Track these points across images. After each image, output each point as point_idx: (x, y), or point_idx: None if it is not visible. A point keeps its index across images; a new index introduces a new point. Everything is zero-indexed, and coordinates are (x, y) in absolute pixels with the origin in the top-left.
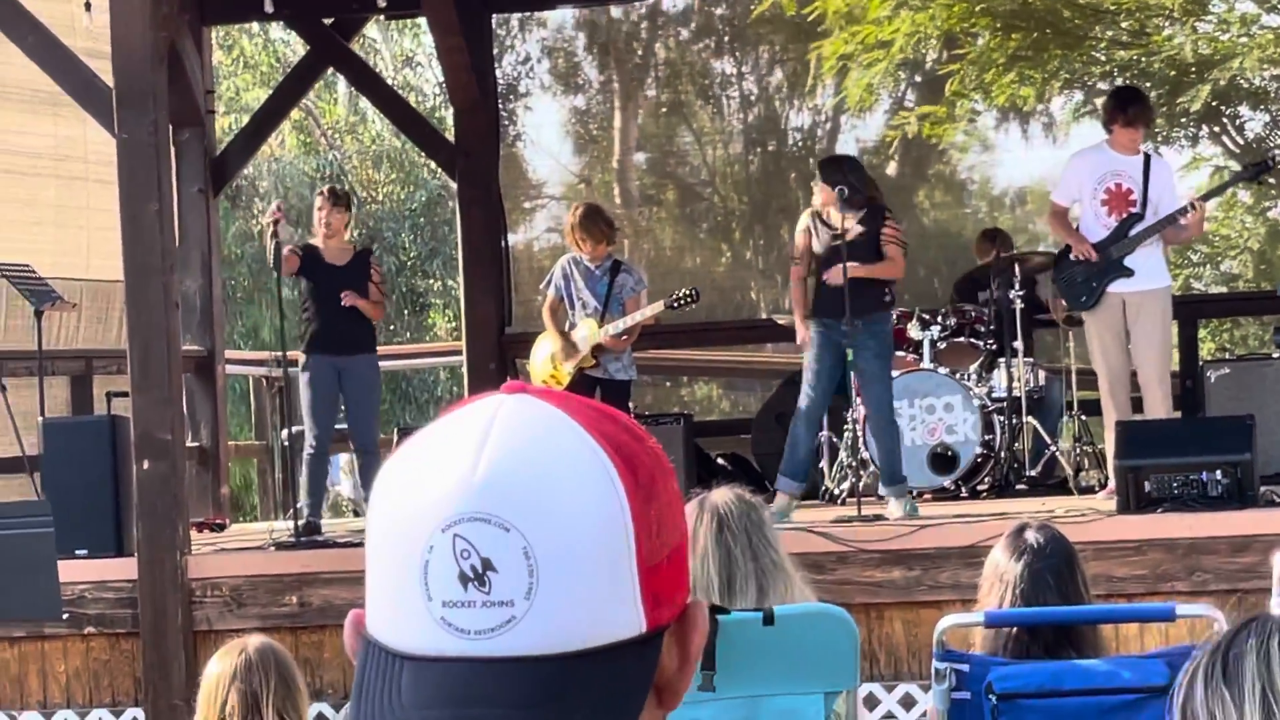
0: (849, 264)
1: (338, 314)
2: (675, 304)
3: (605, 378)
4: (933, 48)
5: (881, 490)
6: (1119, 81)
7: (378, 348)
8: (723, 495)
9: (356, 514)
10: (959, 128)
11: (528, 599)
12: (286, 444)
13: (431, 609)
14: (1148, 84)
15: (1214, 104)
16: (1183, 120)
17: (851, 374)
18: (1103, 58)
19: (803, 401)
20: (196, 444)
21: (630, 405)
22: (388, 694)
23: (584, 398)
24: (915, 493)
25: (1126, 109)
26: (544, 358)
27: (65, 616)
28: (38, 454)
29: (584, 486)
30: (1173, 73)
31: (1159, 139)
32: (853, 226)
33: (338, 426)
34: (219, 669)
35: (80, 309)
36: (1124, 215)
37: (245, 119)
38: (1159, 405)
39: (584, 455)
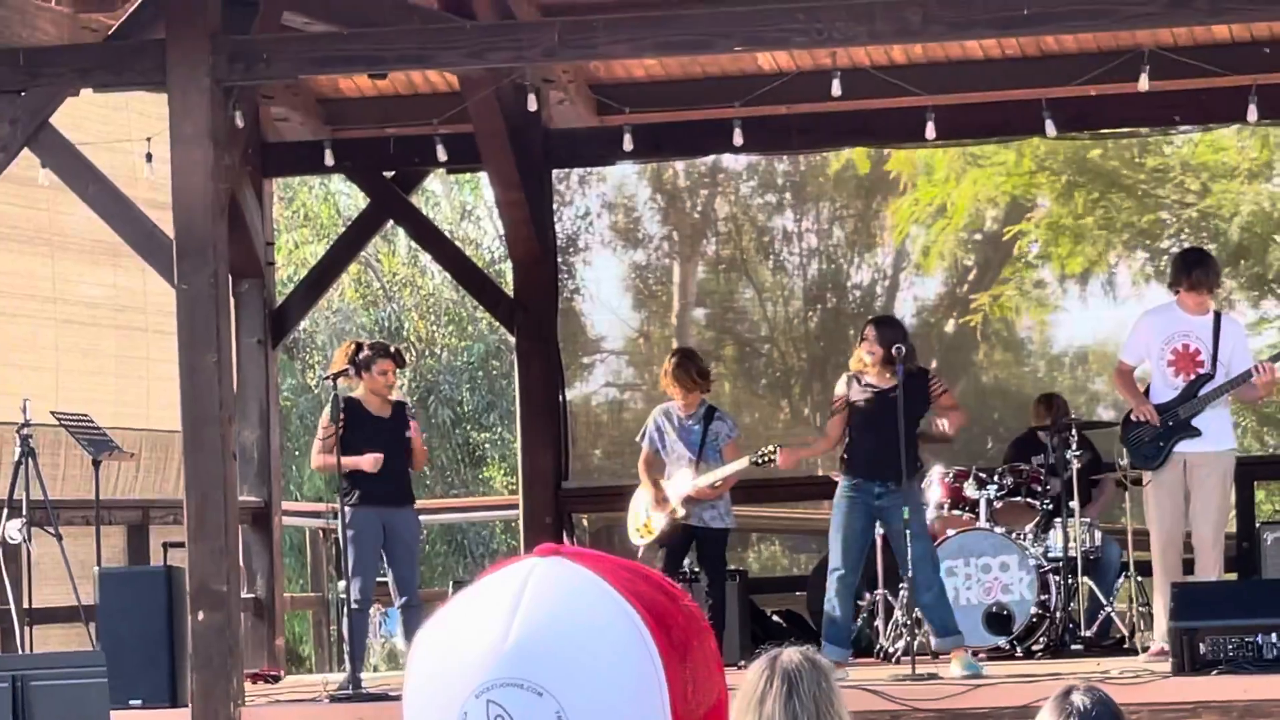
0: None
1: (384, 467)
2: (759, 460)
3: (701, 526)
4: (996, 207)
5: (938, 644)
6: (1185, 240)
7: (434, 500)
8: (793, 658)
9: None
10: (1026, 294)
11: None
12: (344, 596)
13: None
14: (1214, 245)
15: None
16: (1245, 281)
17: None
18: (1168, 217)
19: (836, 570)
20: (252, 595)
21: (725, 556)
22: None
23: (618, 558)
24: (971, 652)
25: (1191, 272)
26: (637, 509)
27: None
28: (94, 604)
29: (616, 648)
30: (1239, 231)
31: (1225, 300)
32: (889, 384)
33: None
34: None
35: (139, 458)
36: (1192, 376)
37: (303, 272)
38: (1211, 567)
39: (616, 616)
